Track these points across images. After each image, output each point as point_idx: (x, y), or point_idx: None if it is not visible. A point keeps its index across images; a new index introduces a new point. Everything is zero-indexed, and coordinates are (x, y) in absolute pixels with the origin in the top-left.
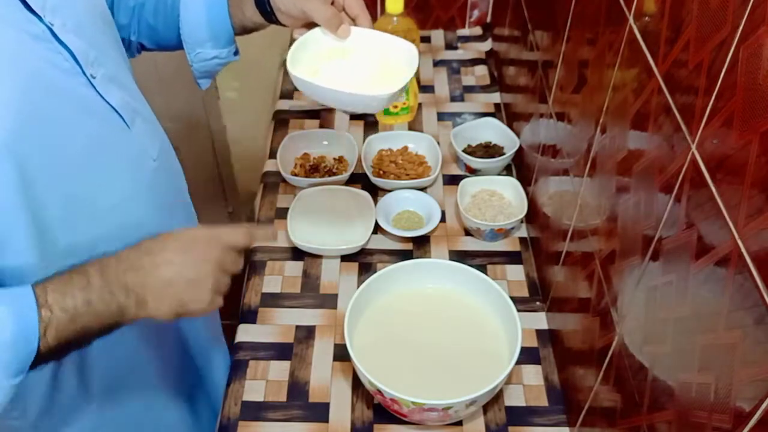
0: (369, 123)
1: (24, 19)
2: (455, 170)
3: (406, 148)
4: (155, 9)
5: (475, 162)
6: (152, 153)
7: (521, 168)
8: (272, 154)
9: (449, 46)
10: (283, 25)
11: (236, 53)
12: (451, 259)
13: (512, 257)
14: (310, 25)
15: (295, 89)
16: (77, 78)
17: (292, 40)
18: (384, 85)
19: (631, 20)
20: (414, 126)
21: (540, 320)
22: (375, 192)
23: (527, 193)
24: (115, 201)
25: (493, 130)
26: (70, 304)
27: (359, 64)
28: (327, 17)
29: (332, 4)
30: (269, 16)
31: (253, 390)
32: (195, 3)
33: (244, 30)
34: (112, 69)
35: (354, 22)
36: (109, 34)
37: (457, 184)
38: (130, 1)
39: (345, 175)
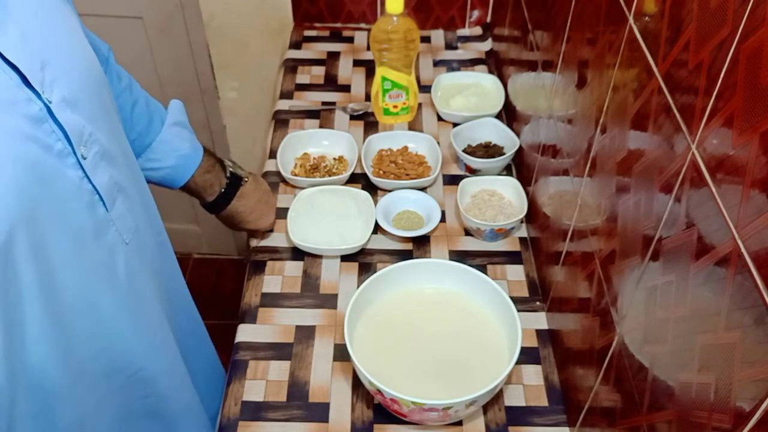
0: (369, 123)
1: (24, 98)
2: (455, 170)
3: (406, 148)
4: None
5: (475, 162)
6: (126, 236)
7: (521, 168)
8: (272, 154)
9: (449, 46)
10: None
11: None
12: (451, 259)
13: (512, 257)
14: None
15: (295, 89)
16: (68, 159)
17: (292, 42)
18: None
19: (631, 20)
20: (414, 126)
21: (540, 320)
22: (375, 192)
23: (527, 193)
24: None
25: (493, 130)
26: None
27: None
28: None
29: None
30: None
31: (253, 390)
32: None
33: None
34: (105, 142)
35: None
36: (104, 97)
37: (457, 184)
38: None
39: (345, 175)
